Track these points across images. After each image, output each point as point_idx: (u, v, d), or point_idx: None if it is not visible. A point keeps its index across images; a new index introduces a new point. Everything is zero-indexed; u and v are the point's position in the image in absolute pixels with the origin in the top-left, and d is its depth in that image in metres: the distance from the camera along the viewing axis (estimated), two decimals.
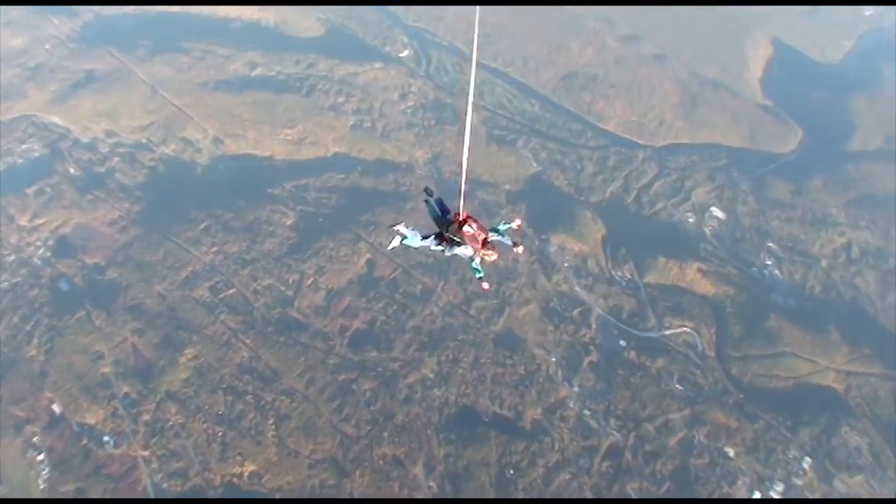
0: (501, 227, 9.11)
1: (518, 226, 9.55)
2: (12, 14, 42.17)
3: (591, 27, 48.27)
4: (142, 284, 30.38)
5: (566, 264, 33.21)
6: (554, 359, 29.77)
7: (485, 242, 8.29)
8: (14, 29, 41.34)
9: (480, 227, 8.42)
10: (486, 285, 9.35)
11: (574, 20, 48.64)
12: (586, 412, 29.07)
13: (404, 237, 9.22)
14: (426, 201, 9.40)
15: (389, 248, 9.68)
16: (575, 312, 31.31)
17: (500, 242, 8.50)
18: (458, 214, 8.52)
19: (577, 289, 32.33)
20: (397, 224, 9.36)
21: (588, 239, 34.64)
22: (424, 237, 9.12)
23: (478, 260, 8.71)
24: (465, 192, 7.97)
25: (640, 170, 39.04)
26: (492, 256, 8.42)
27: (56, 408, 27.67)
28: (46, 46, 40.20)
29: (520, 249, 9.14)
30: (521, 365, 29.42)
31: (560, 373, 29.59)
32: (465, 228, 8.29)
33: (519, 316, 30.71)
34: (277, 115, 36.81)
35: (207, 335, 28.99)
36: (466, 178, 7.86)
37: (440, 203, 9.31)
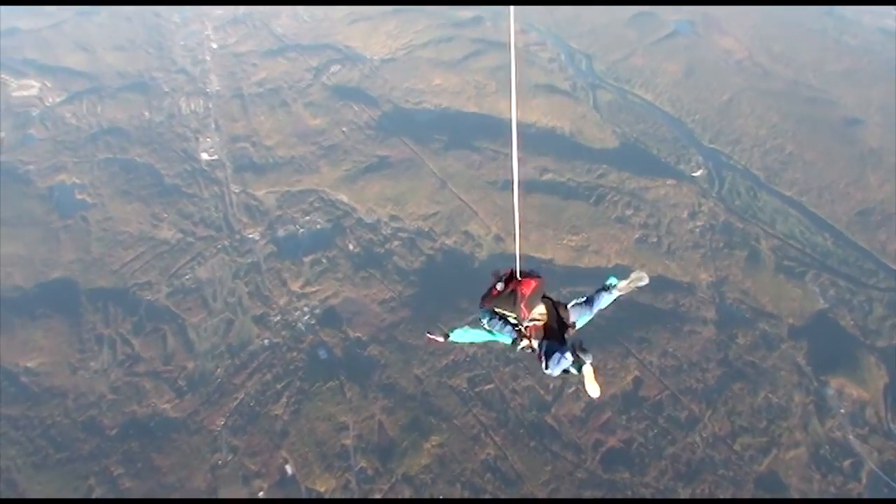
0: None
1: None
2: (316, 96, 66.15)
3: (891, 162, 61.64)
4: (400, 365, 43.81)
5: (842, 410, 43.01)
6: None
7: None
8: (315, 110, 64.81)
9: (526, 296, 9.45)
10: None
11: (874, 154, 62.59)
12: None
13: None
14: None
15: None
16: (846, 463, 40.43)
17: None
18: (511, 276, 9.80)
19: (851, 438, 41.70)
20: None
21: (869, 386, 44.26)
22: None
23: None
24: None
25: None
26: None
27: (289, 468, 39.88)
28: (343, 129, 62.27)
29: (590, 385, 9.61)
30: None
31: None
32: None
33: (785, 459, 40.30)
34: (563, 221, 52.01)
35: (457, 425, 41.07)
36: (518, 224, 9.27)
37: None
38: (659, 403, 43.59)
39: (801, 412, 43.66)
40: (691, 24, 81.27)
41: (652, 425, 42.46)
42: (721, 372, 45.10)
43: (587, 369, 9.66)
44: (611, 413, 42.91)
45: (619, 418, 42.76)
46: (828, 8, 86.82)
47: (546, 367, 9.61)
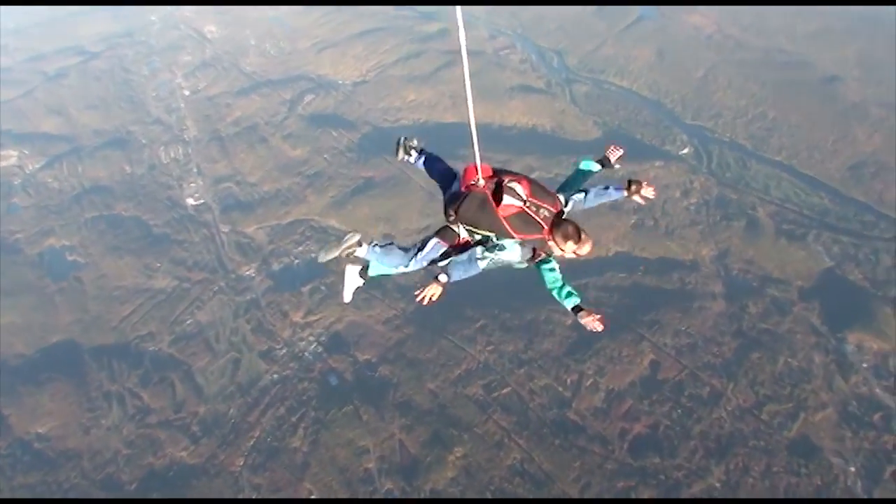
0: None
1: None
2: (293, 128, 65.93)
3: (876, 114, 61.92)
4: (413, 381, 43.29)
5: (865, 364, 42.57)
6: (853, 468, 38.08)
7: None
8: (294, 142, 64.34)
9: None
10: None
11: (856, 108, 62.85)
12: None
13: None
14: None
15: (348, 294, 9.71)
16: (876, 417, 39.87)
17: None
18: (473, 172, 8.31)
19: (878, 391, 41.23)
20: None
21: (888, 336, 43.76)
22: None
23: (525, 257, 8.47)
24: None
25: None
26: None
27: (315, 499, 39.65)
28: (325, 156, 61.84)
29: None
30: (816, 475, 37.95)
31: (860, 484, 37.67)
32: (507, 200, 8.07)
33: (815, 421, 39.74)
34: None
35: (478, 434, 40.54)
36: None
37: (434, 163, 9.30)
38: (679, 383, 43.12)
39: (823, 372, 43.24)
40: (657, 7, 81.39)
41: (675, 406, 42.01)
42: (737, 344, 44.65)
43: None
44: (632, 400, 42.47)
45: (641, 404, 42.30)
46: None
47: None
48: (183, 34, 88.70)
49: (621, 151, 9.33)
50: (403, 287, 49.64)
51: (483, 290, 48.01)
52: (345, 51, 79.82)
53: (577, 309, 8.66)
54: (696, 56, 72.84)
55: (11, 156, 69.24)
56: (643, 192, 9.17)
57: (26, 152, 69.43)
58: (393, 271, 9.46)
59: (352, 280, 10.01)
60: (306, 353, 47.20)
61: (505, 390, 43.26)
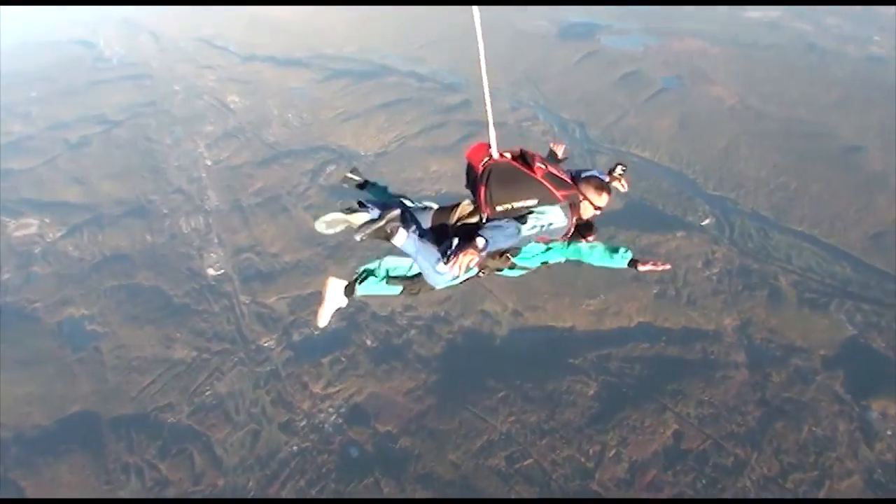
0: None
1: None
2: (314, 199, 67.93)
3: None
4: (434, 453, 43.74)
5: (889, 432, 42.68)
6: None
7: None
8: (316, 213, 61.98)
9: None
10: None
11: (878, 177, 63.56)
12: None
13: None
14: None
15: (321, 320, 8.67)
16: None
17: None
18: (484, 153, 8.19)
19: None
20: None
21: None
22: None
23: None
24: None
25: None
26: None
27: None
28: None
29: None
30: None
31: None
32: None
33: (840, 489, 39.88)
34: (578, 287, 52.04)
35: None
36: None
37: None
38: (703, 453, 43.46)
39: (847, 440, 43.50)
40: (679, 78, 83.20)
41: (700, 476, 42.29)
42: (760, 413, 45.02)
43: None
44: (656, 470, 42.78)
45: (664, 474, 42.62)
46: (810, 44, 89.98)
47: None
48: (206, 104, 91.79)
49: (563, 146, 9.44)
50: (424, 358, 50.80)
51: (504, 361, 49.60)
52: (366, 122, 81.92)
53: (633, 262, 9.00)
54: (717, 126, 74.17)
55: (32, 224, 70.83)
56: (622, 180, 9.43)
57: (47, 221, 71.03)
58: (391, 292, 8.83)
59: (333, 299, 8.86)
60: (326, 425, 47.62)
61: (527, 461, 43.65)
